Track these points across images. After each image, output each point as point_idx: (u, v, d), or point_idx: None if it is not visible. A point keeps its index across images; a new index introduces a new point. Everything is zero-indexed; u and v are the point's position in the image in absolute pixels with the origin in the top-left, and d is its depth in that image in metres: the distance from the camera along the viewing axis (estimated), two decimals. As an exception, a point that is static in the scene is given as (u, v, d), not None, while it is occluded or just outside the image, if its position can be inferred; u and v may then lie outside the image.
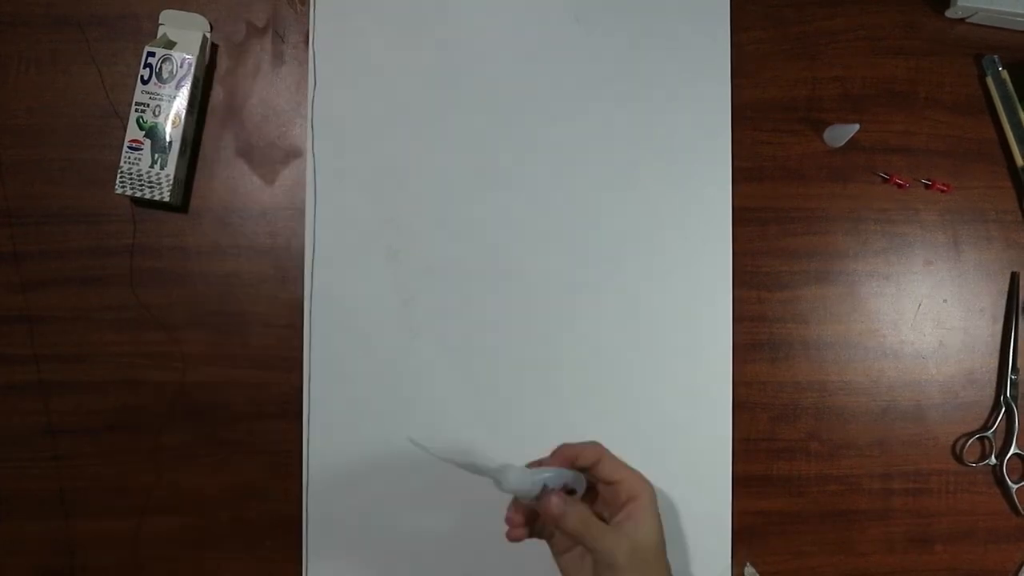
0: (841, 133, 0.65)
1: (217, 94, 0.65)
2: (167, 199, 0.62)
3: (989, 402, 0.67)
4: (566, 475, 0.47)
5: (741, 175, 0.66)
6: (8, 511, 0.63)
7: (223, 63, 0.65)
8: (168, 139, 0.62)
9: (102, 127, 0.64)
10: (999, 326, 0.67)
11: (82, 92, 0.65)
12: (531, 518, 0.49)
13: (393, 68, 0.65)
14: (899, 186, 0.65)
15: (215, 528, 0.63)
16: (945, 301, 0.67)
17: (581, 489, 0.48)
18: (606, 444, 0.64)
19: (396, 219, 0.65)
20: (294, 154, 0.65)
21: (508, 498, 0.48)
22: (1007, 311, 0.67)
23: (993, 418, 0.66)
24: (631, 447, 0.64)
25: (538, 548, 0.64)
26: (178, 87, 0.62)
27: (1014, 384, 0.66)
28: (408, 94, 0.65)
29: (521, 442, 0.64)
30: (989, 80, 0.67)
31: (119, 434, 0.63)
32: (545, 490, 0.45)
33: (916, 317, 0.67)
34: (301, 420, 0.63)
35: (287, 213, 0.65)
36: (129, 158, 0.62)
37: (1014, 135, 0.66)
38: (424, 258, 0.64)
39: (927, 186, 0.67)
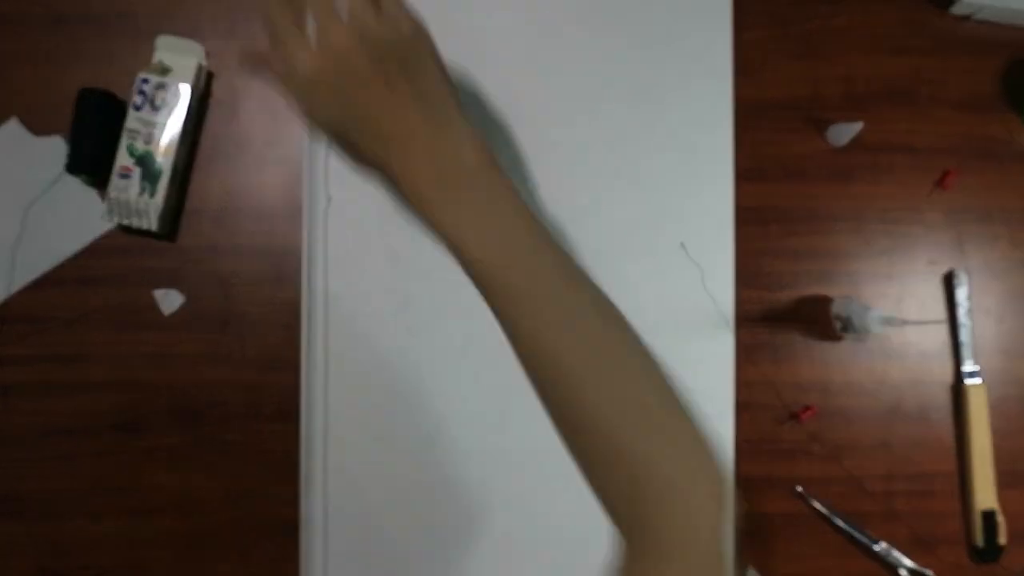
0: (844, 132, 0.65)
1: (216, 91, 0.65)
2: (155, 228, 0.61)
3: (994, 403, 0.66)
4: None
5: (743, 174, 0.66)
6: (8, 511, 0.63)
7: (222, 63, 0.65)
8: (158, 168, 0.61)
9: (101, 127, 0.64)
10: (1005, 326, 0.66)
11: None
12: None
13: (392, 67, 0.65)
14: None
15: (213, 529, 0.63)
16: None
17: None
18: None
19: (396, 220, 0.64)
20: (292, 154, 0.65)
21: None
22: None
23: (998, 419, 0.66)
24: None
25: (541, 554, 0.64)
26: (171, 115, 0.61)
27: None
28: (408, 93, 0.65)
29: (520, 441, 0.64)
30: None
31: (118, 434, 0.63)
32: None
33: (920, 317, 0.66)
34: (299, 421, 0.63)
35: (285, 213, 0.65)
36: (118, 185, 0.61)
37: None
38: (424, 258, 0.64)
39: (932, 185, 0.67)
